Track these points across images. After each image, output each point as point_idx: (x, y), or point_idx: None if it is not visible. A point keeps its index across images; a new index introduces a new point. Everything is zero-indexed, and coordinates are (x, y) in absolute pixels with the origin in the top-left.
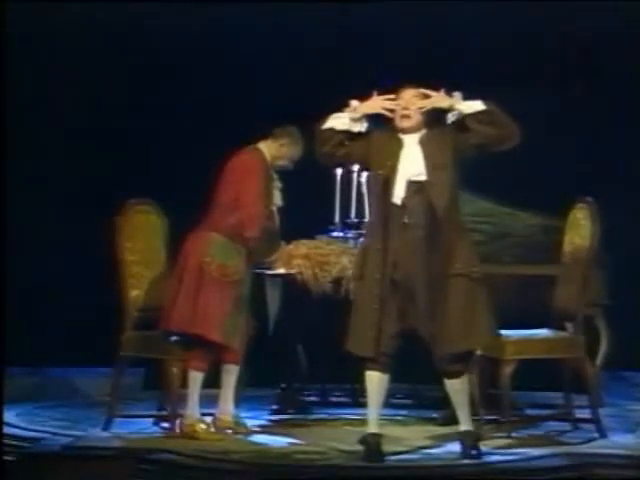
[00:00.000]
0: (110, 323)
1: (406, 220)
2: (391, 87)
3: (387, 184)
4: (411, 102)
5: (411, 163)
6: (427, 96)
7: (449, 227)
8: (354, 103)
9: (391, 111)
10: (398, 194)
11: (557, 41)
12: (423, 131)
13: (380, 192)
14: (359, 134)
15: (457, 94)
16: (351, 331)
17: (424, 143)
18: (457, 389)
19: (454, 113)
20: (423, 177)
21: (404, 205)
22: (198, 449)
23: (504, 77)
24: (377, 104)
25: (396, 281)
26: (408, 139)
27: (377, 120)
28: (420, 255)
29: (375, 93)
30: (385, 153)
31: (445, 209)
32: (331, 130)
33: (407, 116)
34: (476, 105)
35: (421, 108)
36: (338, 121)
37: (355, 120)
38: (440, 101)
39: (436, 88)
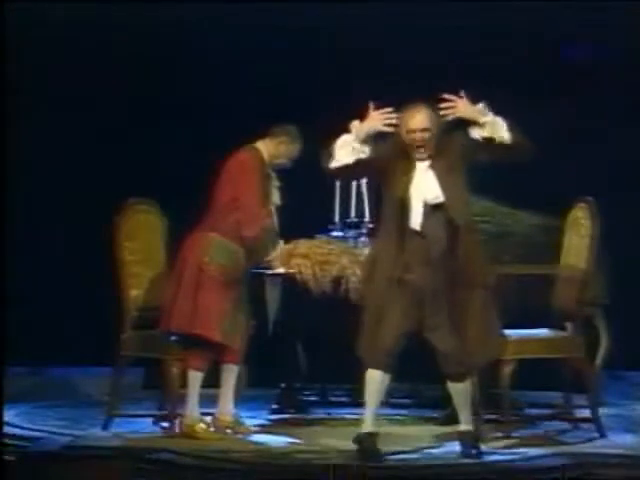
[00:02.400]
0: (110, 323)
1: (423, 240)
2: (396, 101)
3: (403, 207)
4: (424, 131)
5: (426, 186)
6: (446, 102)
7: (468, 241)
8: (356, 125)
9: (393, 126)
10: (415, 219)
11: (556, 41)
12: (434, 152)
13: (396, 215)
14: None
15: (481, 106)
16: (366, 338)
17: (435, 167)
18: (460, 391)
19: (480, 133)
20: (440, 199)
21: (422, 231)
22: (198, 449)
23: (503, 76)
24: (377, 121)
25: (407, 282)
26: (420, 163)
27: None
28: (437, 269)
29: (372, 107)
30: (399, 175)
31: (465, 226)
32: (344, 167)
33: (422, 146)
34: (504, 135)
35: (441, 121)
36: (346, 151)
37: (362, 143)
38: (465, 111)
39: (438, 89)
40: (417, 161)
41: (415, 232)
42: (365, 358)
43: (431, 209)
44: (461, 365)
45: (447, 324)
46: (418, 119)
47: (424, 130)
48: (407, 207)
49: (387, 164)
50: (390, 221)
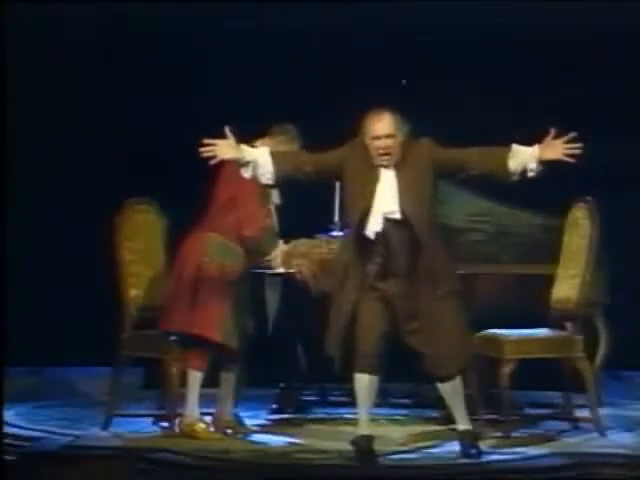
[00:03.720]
0: (110, 323)
1: (388, 250)
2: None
3: (366, 217)
4: (389, 137)
5: (387, 199)
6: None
7: (433, 252)
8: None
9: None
10: (376, 230)
11: (556, 39)
12: (398, 160)
13: (360, 225)
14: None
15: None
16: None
17: (401, 177)
18: (449, 391)
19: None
20: (397, 215)
21: (383, 241)
22: (197, 448)
23: (503, 74)
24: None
25: (378, 289)
26: (385, 172)
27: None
28: (405, 279)
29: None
30: (362, 184)
31: (429, 238)
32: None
33: (387, 154)
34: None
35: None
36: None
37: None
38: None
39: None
40: (382, 169)
41: (379, 242)
42: (335, 357)
43: (394, 220)
44: (442, 367)
45: (424, 329)
46: (383, 125)
47: (389, 136)
48: (369, 218)
49: (346, 170)
50: (355, 230)
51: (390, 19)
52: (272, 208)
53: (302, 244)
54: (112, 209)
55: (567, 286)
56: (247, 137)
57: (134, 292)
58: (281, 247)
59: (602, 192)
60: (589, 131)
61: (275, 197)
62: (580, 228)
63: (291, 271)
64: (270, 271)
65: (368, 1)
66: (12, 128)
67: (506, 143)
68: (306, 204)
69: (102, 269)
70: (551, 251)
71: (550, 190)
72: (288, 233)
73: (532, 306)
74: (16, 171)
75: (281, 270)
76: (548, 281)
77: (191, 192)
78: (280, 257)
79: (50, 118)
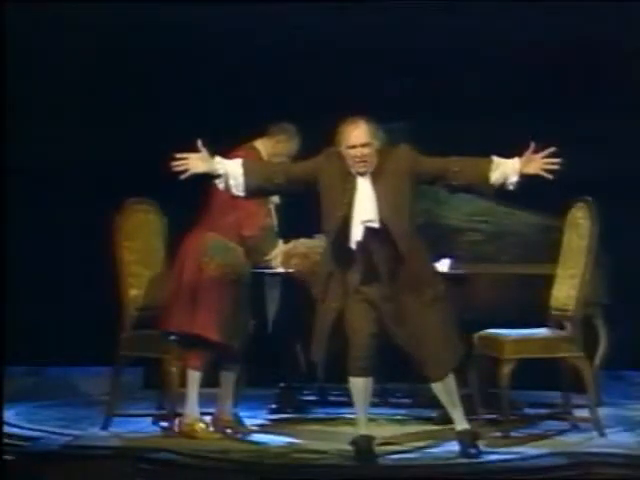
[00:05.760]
0: (109, 323)
1: (369, 257)
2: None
3: (346, 226)
4: (365, 146)
5: (365, 207)
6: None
7: (414, 257)
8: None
9: None
10: (355, 238)
11: (556, 39)
12: (376, 168)
13: (340, 233)
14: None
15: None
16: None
17: (378, 185)
18: (442, 390)
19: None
20: (375, 224)
21: (364, 250)
22: (197, 448)
23: (502, 73)
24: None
25: (362, 292)
26: (362, 180)
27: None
28: (387, 284)
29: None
30: (339, 193)
31: (408, 249)
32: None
33: (364, 162)
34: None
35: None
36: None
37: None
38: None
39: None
40: (359, 177)
41: (360, 251)
42: (318, 363)
43: (373, 229)
44: (431, 369)
45: (411, 333)
46: (358, 134)
47: (365, 145)
48: (349, 226)
49: (321, 180)
50: (335, 238)
51: (388, 21)
52: (272, 208)
53: (302, 244)
54: (112, 209)
55: (566, 286)
56: (246, 137)
57: (134, 292)
58: (281, 247)
59: (602, 192)
60: (589, 131)
61: (275, 197)
62: (580, 228)
63: (291, 271)
64: (270, 271)
65: (369, 2)
66: (12, 128)
67: (492, 152)
68: (306, 204)
69: (102, 269)
70: (551, 251)
71: (550, 190)
72: (288, 233)
73: (532, 306)
74: (16, 171)
75: (281, 270)
76: (548, 281)
77: (191, 192)
78: (280, 257)
79: (50, 118)
